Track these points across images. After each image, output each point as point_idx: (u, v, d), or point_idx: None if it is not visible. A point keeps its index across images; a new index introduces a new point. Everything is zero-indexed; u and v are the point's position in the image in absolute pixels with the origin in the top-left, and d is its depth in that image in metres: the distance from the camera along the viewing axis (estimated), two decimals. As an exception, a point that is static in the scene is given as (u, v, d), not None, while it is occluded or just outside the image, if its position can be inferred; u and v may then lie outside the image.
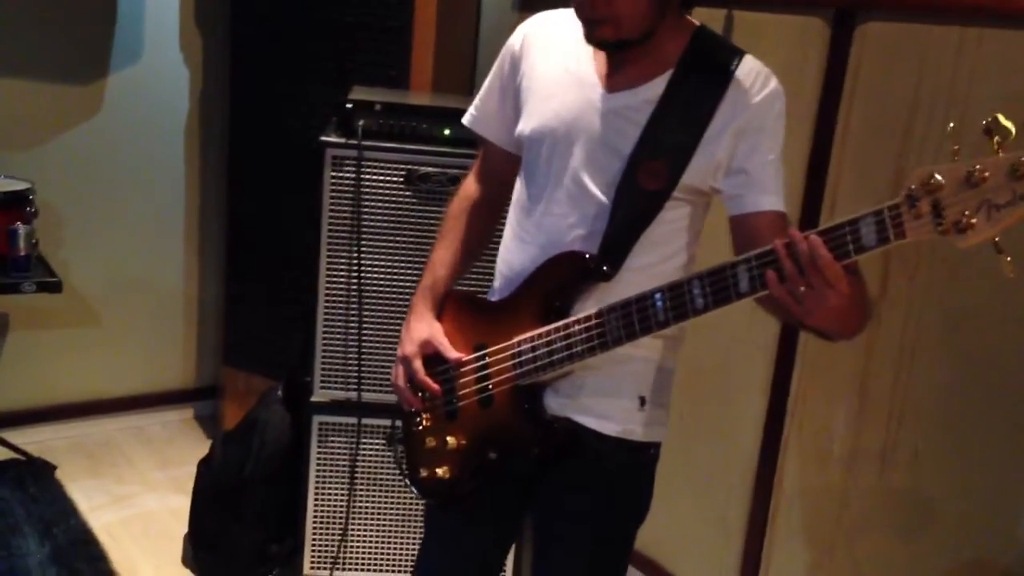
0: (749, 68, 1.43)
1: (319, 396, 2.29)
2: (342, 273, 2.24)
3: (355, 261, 2.23)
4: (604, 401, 1.52)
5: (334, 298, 2.26)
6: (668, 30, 1.45)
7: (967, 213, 1.09)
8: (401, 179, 2.19)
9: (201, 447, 2.68)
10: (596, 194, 1.47)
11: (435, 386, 1.60)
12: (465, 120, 1.69)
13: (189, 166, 3.26)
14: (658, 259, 1.47)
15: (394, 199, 2.20)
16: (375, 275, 2.24)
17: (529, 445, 1.53)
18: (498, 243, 1.64)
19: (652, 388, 1.55)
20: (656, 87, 1.45)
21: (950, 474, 1.83)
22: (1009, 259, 1.09)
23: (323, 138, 2.21)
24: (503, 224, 1.68)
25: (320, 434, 2.31)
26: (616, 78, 1.48)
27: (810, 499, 2.09)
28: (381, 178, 2.20)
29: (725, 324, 2.17)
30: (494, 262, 1.63)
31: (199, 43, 3.17)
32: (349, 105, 2.21)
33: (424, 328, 1.64)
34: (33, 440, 3.06)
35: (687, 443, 2.31)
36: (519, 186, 1.61)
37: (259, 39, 2.80)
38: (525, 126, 1.56)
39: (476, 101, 1.67)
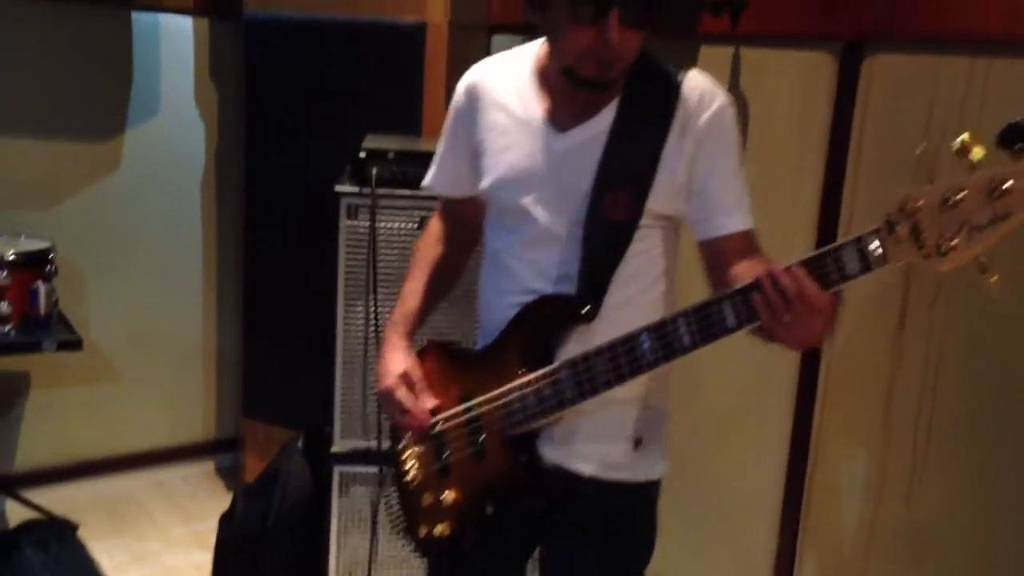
0: (694, 85, 1.43)
1: (339, 446, 2.28)
2: (359, 321, 2.25)
3: (372, 309, 2.23)
4: (599, 445, 1.49)
5: (352, 346, 2.26)
6: None
7: (947, 235, 1.08)
8: (416, 226, 2.21)
9: (223, 500, 2.67)
10: (565, 235, 1.46)
11: (427, 417, 1.55)
12: (424, 183, 1.68)
13: (206, 219, 3.29)
14: (636, 292, 1.45)
15: (409, 246, 2.21)
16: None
17: (527, 495, 1.50)
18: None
19: (646, 427, 1.52)
20: (605, 117, 1.44)
21: (977, 506, 1.80)
22: (995, 279, 1.08)
23: (337, 187, 2.23)
24: (472, 264, 1.67)
25: (341, 484, 2.29)
26: (564, 116, 1.47)
27: (836, 534, 2.06)
28: (396, 225, 2.21)
29: (744, 361, 2.16)
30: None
31: (214, 97, 3.22)
32: (362, 154, 2.23)
33: (400, 360, 1.60)
34: (55, 498, 3.06)
35: (711, 482, 2.28)
36: (489, 238, 1.60)
37: (273, 91, 2.84)
38: (485, 183, 1.54)
39: (433, 164, 1.66)
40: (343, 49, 2.66)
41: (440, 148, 1.65)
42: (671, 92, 1.43)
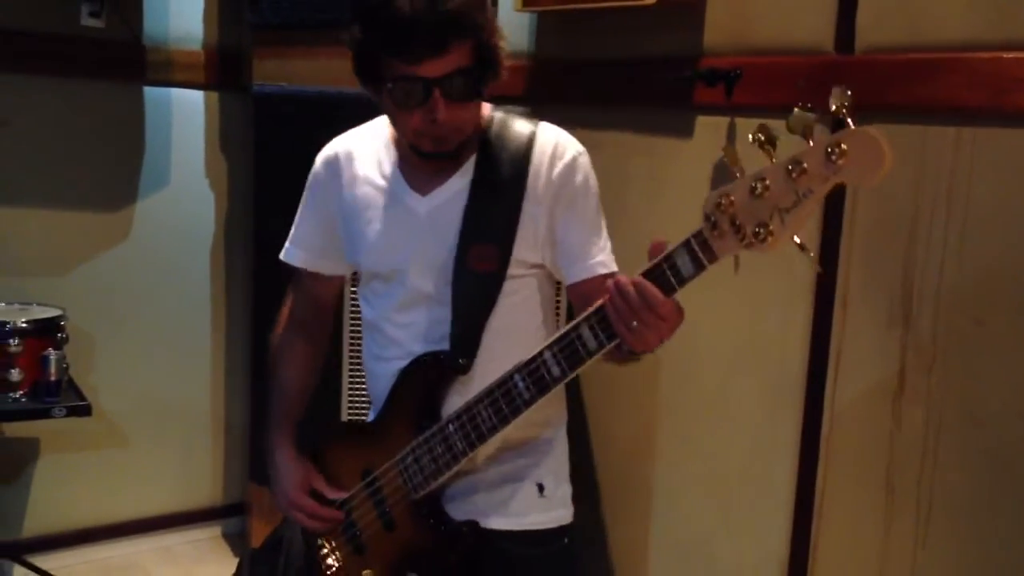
0: (546, 138, 1.50)
1: (344, 511, 2.29)
2: (363, 388, 2.27)
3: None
4: (503, 498, 1.53)
5: (357, 412, 2.28)
6: None
7: (763, 222, 1.15)
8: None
9: (229, 565, 2.67)
10: (435, 294, 1.51)
11: (338, 514, 1.59)
12: (283, 256, 1.71)
13: (215, 289, 3.34)
14: (515, 341, 1.48)
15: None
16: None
17: (442, 555, 1.52)
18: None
19: (548, 471, 1.56)
20: (464, 176, 1.51)
21: (983, 573, 1.80)
22: (812, 255, 1.17)
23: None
24: (328, 345, 1.73)
25: (346, 550, 2.29)
26: (425, 179, 1.53)
27: (843, 601, 2.05)
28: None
29: (745, 422, 2.17)
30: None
31: (224, 169, 3.29)
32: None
33: (295, 470, 1.63)
34: (62, 565, 3.06)
35: (713, 547, 2.28)
36: (364, 309, 1.64)
37: (281, 163, 2.89)
38: (358, 258, 1.59)
39: (291, 236, 1.70)
40: (350, 120, 2.72)
41: (296, 222, 1.70)
42: (523, 144, 1.50)
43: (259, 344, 3.09)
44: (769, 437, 2.15)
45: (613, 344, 1.30)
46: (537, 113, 2.73)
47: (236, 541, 3.39)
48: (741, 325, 2.17)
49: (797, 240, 1.16)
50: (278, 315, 1.77)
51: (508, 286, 1.49)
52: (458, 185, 1.51)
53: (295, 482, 1.63)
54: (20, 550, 3.00)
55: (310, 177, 1.70)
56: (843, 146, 1.10)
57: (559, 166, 1.49)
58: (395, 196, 1.56)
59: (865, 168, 1.09)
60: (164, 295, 3.24)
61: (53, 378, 2.66)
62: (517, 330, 1.51)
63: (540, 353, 1.36)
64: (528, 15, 2.68)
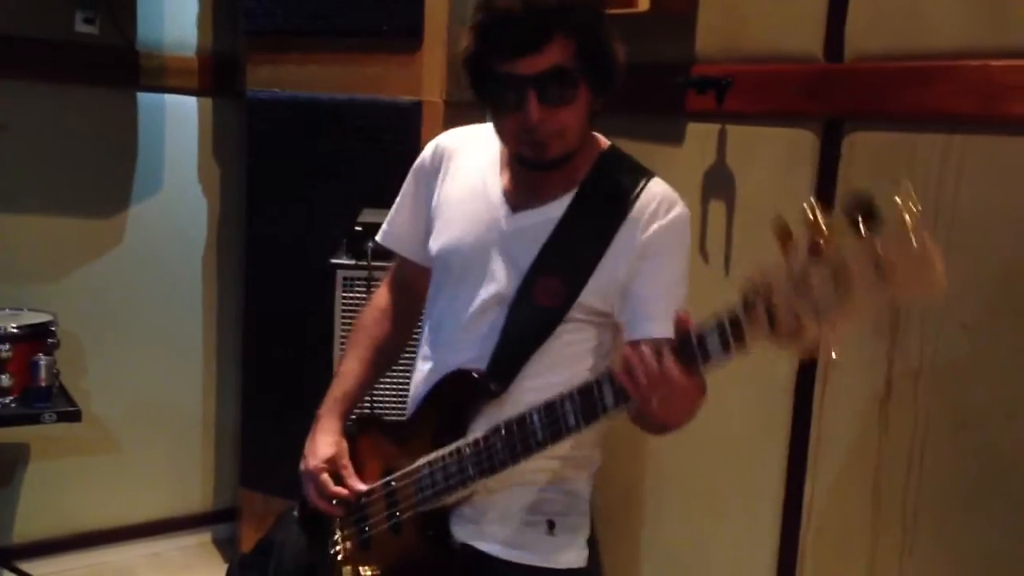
0: (654, 193, 1.44)
1: (334, 516, 2.29)
2: (356, 392, 2.27)
3: (368, 380, 2.25)
4: (509, 527, 1.48)
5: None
6: (581, 149, 1.46)
7: (799, 317, 1.05)
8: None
9: (219, 571, 2.67)
10: (491, 310, 1.47)
11: (346, 492, 1.56)
12: (378, 237, 1.69)
13: (206, 294, 3.34)
14: (559, 380, 1.41)
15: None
16: (388, 392, 2.26)
17: (436, 571, 1.50)
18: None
19: (561, 512, 1.51)
20: (560, 206, 1.45)
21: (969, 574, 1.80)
22: (835, 356, 1.07)
23: (333, 260, 2.28)
24: (416, 336, 1.66)
25: (336, 555, 2.29)
26: (521, 197, 1.49)
27: (833, 608, 2.05)
28: (391, 298, 2.25)
29: (735, 431, 2.18)
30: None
31: (217, 174, 3.29)
32: (359, 228, 2.28)
33: (330, 445, 1.60)
34: (52, 571, 3.06)
35: (704, 555, 2.28)
36: (428, 305, 1.60)
37: (273, 168, 2.91)
38: (433, 245, 1.56)
39: (388, 217, 1.67)
40: (341, 126, 2.74)
41: (396, 204, 1.67)
42: (630, 194, 1.44)
43: (250, 347, 3.09)
44: (759, 445, 2.15)
45: (629, 404, 1.26)
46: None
47: (226, 547, 3.38)
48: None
49: (832, 342, 1.06)
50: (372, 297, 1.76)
51: (566, 326, 1.44)
52: (552, 212, 1.46)
53: (323, 455, 1.60)
54: (10, 556, 2.99)
55: (416, 163, 1.64)
56: (888, 252, 0.98)
57: (656, 224, 1.42)
58: (488, 203, 1.51)
59: (914, 286, 0.98)
60: (156, 300, 3.24)
61: (43, 384, 2.66)
62: (564, 370, 1.45)
63: (561, 399, 1.33)
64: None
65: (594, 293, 1.43)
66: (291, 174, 2.86)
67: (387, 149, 2.70)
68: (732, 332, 1.13)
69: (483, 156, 1.55)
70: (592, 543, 1.58)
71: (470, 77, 1.43)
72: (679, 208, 1.45)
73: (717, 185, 2.17)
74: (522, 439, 1.36)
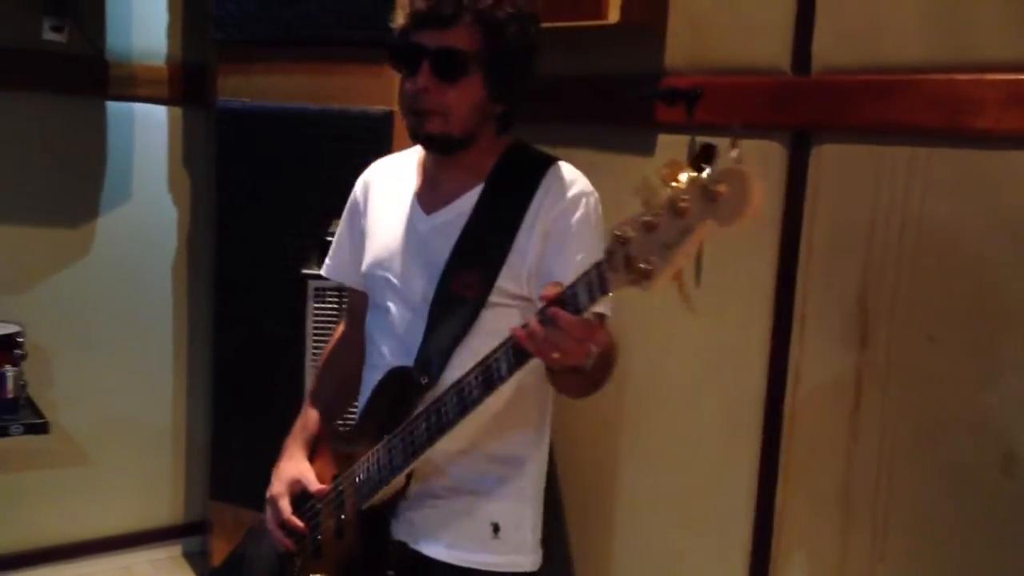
0: (557, 176, 1.52)
1: (305, 529, 2.27)
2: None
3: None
4: (451, 528, 1.53)
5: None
6: (484, 145, 1.55)
7: (650, 259, 1.13)
8: (382, 310, 2.24)
9: (189, 586, 2.65)
10: (416, 310, 1.54)
11: (300, 524, 1.61)
12: (322, 271, 1.81)
13: (176, 303, 3.32)
14: None
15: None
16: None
17: (381, 569, 1.53)
18: None
19: (508, 513, 1.55)
20: (469, 200, 1.54)
21: (938, 586, 1.82)
22: (688, 296, 1.15)
23: (304, 271, 2.27)
24: None
25: (307, 568, 2.28)
26: (432, 197, 1.58)
27: (803, 617, 2.06)
28: (362, 309, 2.24)
29: (707, 440, 2.19)
30: None
31: (187, 184, 3.27)
32: (329, 238, 2.27)
33: (292, 467, 1.66)
34: (20, 585, 3.02)
35: (676, 564, 2.29)
36: (367, 323, 1.69)
37: (243, 177, 2.89)
38: (364, 263, 1.66)
39: (330, 252, 1.79)
40: (311, 136, 2.73)
41: (335, 239, 1.78)
42: (533, 178, 1.52)
43: (221, 361, 3.07)
44: (730, 454, 2.16)
45: (522, 367, 1.32)
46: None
47: (197, 560, 3.35)
48: (702, 344, 2.18)
49: (679, 279, 1.15)
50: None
51: (489, 313, 1.50)
52: (461, 208, 1.54)
53: (286, 478, 1.66)
54: (-24, 570, 2.96)
55: (349, 199, 1.78)
56: (720, 185, 1.08)
57: (559, 202, 1.50)
58: (405, 213, 1.61)
59: (737, 208, 1.07)
60: (125, 311, 3.21)
61: (10, 395, 2.64)
62: None
63: (466, 375, 1.39)
64: (492, 33, 2.69)
65: (509, 278, 1.50)
66: (261, 184, 2.85)
67: (358, 159, 2.67)
68: (598, 280, 1.20)
69: (402, 174, 1.65)
70: (547, 545, 1.61)
71: (392, 45, 1.54)
72: (580, 186, 1.53)
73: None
74: (437, 418, 1.42)
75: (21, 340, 2.70)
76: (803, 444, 2.02)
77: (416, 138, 1.53)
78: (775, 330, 2.04)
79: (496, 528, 1.54)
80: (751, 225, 1.09)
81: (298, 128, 2.75)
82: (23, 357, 2.69)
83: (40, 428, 2.66)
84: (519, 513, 1.58)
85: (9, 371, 2.63)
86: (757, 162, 2.04)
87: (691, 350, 2.21)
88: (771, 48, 2.02)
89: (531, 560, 1.58)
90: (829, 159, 1.94)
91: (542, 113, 2.61)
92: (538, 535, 1.60)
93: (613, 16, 2.16)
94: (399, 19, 1.54)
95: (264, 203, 2.84)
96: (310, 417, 1.75)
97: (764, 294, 2.04)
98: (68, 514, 3.18)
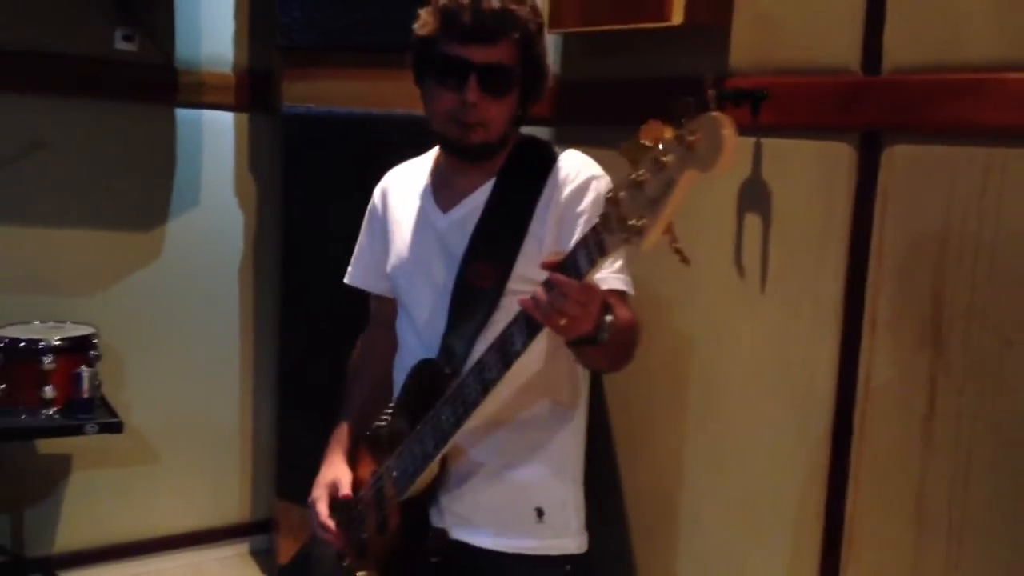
0: (567, 162, 1.54)
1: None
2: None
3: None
4: (495, 515, 1.55)
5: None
6: (500, 145, 1.58)
7: (640, 216, 1.15)
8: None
9: (256, 584, 2.68)
10: (439, 306, 1.57)
11: (332, 525, 1.65)
12: (346, 279, 1.84)
13: (243, 307, 3.37)
14: None
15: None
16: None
17: (426, 557, 1.55)
18: None
19: (551, 497, 1.56)
20: (482, 194, 1.57)
21: (1016, 596, 1.77)
22: (679, 246, 1.16)
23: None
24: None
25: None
26: (448, 196, 1.61)
27: (874, 625, 2.02)
28: (427, 313, 2.25)
29: (774, 445, 2.16)
30: None
31: (253, 189, 3.32)
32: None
33: (331, 471, 1.70)
34: (92, 581, 3.09)
35: (742, 570, 2.26)
36: (397, 327, 1.73)
37: (309, 183, 2.93)
38: (388, 270, 1.69)
39: (352, 261, 1.82)
40: (376, 141, 2.75)
41: (356, 249, 1.82)
42: (544, 166, 1.55)
43: (286, 362, 3.11)
44: (798, 460, 2.13)
45: (534, 339, 1.33)
46: (564, 134, 2.76)
47: (264, 558, 3.40)
48: (769, 347, 2.16)
49: (670, 233, 1.17)
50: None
51: (509, 301, 1.52)
52: (475, 203, 1.58)
53: (324, 481, 1.71)
54: (51, 566, 3.04)
55: (369, 205, 1.82)
56: (695, 134, 1.11)
57: (569, 188, 1.53)
58: (423, 214, 1.65)
59: (711, 152, 1.09)
60: (194, 314, 3.27)
61: (86, 395, 2.69)
62: None
63: (484, 354, 1.42)
64: (554, 36, 2.69)
65: (526, 265, 1.51)
66: (327, 189, 2.88)
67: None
68: (595, 243, 1.22)
69: (418, 179, 1.69)
70: (607, 544, 1.62)
71: (418, 54, 1.58)
72: (591, 170, 1.56)
73: (752, 199, 2.16)
74: (462, 401, 1.44)
75: (96, 341, 2.76)
76: (874, 450, 1.98)
77: (456, 147, 1.57)
78: (844, 335, 2.01)
79: (540, 512, 1.56)
80: (727, 169, 1.10)
81: (362, 133, 2.78)
82: (98, 358, 2.76)
83: (114, 427, 2.72)
84: (561, 496, 1.60)
85: (85, 371, 2.69)
86: (825, 164, 2.03)
87: (758, 352, 2.19)
88: (839, 47, 1.99)
89: (577, 543, 1.59)
90: (901, 160, 1.90)
91: (605, 116, 2.61)
92: (582, 518, 1.62)
93: (677, 17, 2.15)
94: (426, 26, 1.56)
95: (330, 208, 2.87)
96: (348, 421, 1.79)
97: (833, 298, 2.01)
98: (138, 512, 3.25)
